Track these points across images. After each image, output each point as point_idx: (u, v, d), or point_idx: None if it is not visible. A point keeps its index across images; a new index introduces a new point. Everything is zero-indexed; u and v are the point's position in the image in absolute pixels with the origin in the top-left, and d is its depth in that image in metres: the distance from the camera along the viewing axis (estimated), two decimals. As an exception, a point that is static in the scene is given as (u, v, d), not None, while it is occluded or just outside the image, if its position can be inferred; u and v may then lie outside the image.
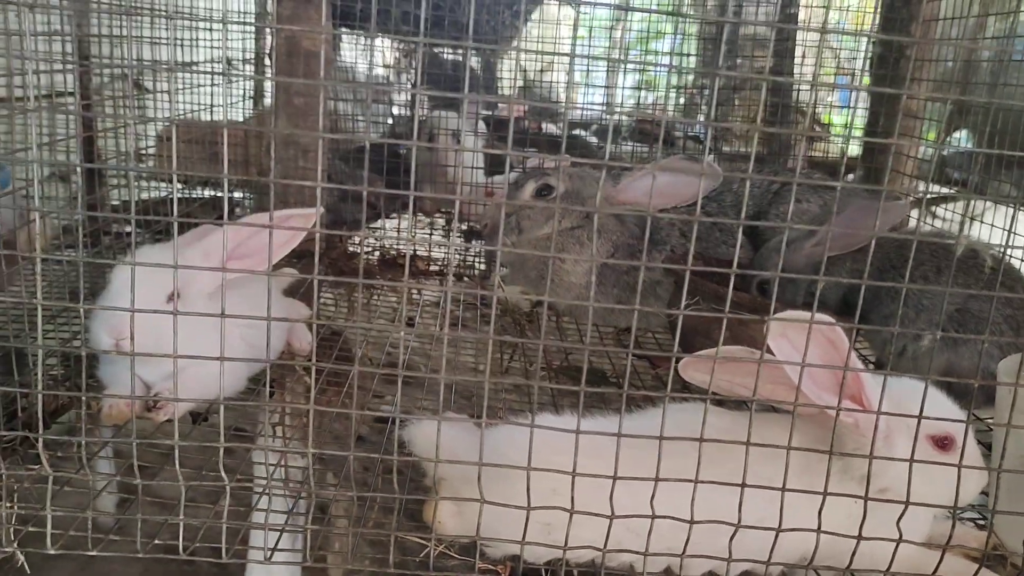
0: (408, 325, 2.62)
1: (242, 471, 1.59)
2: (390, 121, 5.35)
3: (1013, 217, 1.18)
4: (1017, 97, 2.72)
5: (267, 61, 3.86)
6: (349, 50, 5.06)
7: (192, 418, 1.78)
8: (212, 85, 3.10)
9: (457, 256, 3.30)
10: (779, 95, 4.47)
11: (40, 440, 1.19)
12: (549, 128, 5.53)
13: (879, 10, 3.42)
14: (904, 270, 2.20)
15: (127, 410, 1.64)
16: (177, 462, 1.20)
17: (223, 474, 1.22)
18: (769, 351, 1.31)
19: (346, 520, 1.53)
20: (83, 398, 1.21)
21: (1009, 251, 2.14)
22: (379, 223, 3.67)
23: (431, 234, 3.25)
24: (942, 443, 1.42)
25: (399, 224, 3.48)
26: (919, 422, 1.27)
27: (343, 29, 3.80)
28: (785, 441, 1.31)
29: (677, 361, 1.44)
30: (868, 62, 3.25)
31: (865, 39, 3.78)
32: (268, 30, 2.86)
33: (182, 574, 2.69)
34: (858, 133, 3.43)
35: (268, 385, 1.33)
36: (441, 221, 3.93)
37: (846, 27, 4.86)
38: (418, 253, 3.13)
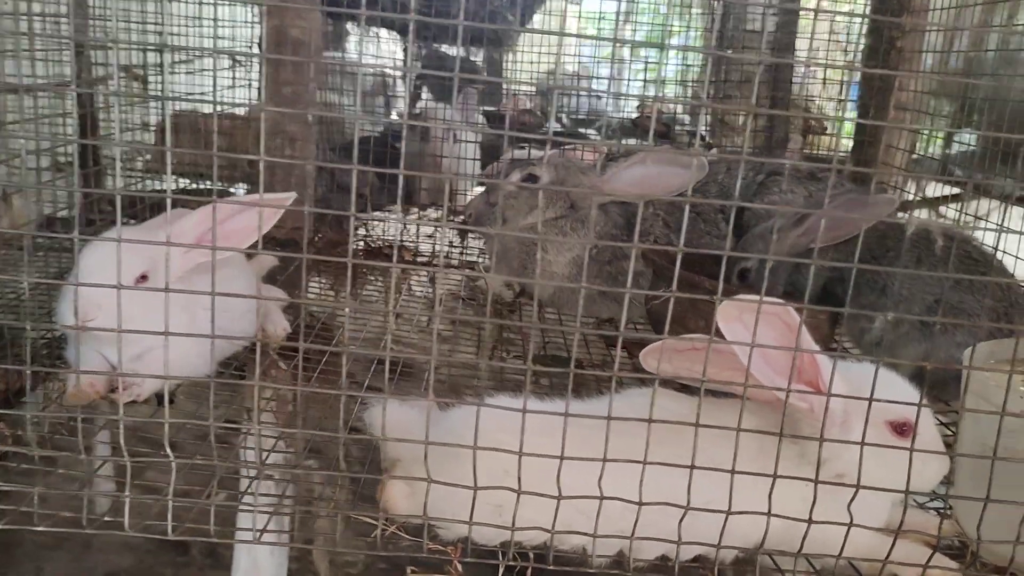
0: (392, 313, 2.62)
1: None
2: (395, 115, 5.35)
3: (967, 196, 1.16)
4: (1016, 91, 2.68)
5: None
6: (351, 44, 5.06)
7: (157, 400, 1.79)
8: (201, 72, 3.11)
9: (450, 249, 3.31)
10: (778, 89, 4.44)
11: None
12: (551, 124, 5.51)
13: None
14: (885, 260, 2.19)
15: (91, 390, 1.65)
16: (122, 439, 1.20)
17: (168, 452, 1.22)
18: (720, 334, 1.30)
19: (313, 502, 1.53)
20: (27, 372, 1.22)
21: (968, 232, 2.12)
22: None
23: (418, 223, 3.25)
24: (900, 429, 1.41)
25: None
26: (869, 405, 1.25)
27: (330, 20, 3.81)
28: (746, 427, 1.29)
29: (630, 344, 1.44)
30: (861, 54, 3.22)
31: (860, 32, 3.75)
32: (260, 21, 2.87)
33: (175, 565, 2.70)
34: (847, 127, 3.40)
35: (219, 365, 1.32)
36: (436, 213, 3.94)
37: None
38: (405, 244, 3.14)
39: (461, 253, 3.29)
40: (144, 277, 1.72)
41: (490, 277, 2.68)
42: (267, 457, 1.58)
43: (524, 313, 2.76)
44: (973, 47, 2.94)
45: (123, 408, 1.29)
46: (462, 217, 3.56)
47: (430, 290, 2.93)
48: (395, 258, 1.12)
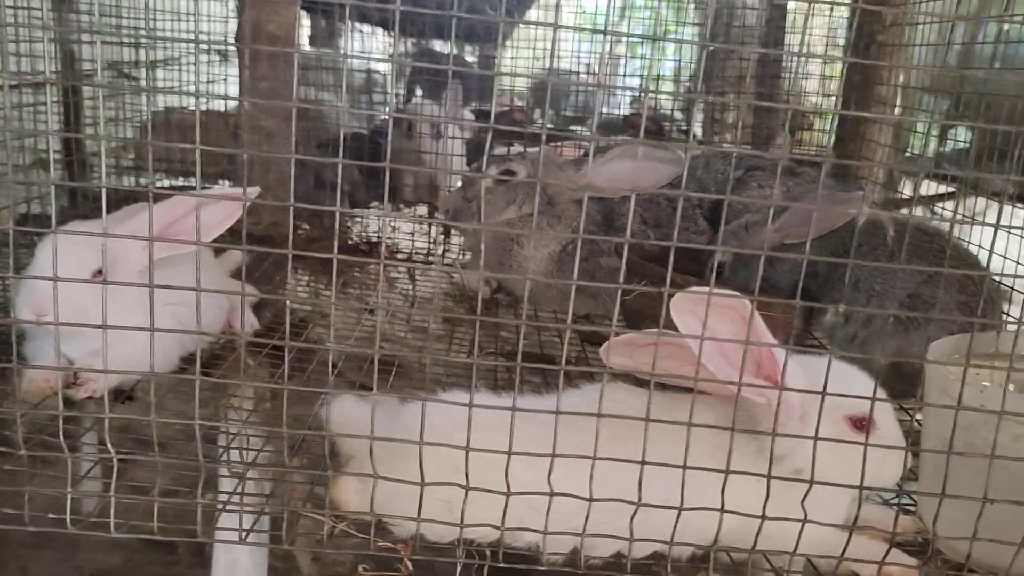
0: (370, 310, 2.60)
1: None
2: (383, 115, 5.33)
3: (916, 186, 1.14)
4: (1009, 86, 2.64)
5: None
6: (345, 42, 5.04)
7: (115, 395, 1.77)
8: (174, 66, 3.10)
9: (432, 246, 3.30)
10: (766, 85, 4.42)
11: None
12: (540, 122, 5.50)
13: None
14: (858, 255, 2.16)
15: (45, 386, 1.63)
16: (61, 434, 1.18)
17: (109, 447, 1.20)
18: (673, 326, 1.28)
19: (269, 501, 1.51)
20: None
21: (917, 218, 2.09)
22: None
23: (394, 221, 3.22)
24: (861, 424, 1.39)
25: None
26: (822, 400, 1.23)
27: (314, 15, 3.79)
28: (706, 423, 1.27)
29: (604, 339, 1.42)
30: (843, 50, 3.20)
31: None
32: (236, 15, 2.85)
33: (164, 563, 2.68)
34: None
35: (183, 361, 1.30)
36: (422, 210, 3.92)
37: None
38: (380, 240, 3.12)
39: (443, 252, 3.27)
40: (101, 272, 1.70)
41: (465, 273, 2.66)
42: (223, 455, 1.56)
43: (502, 310, 2.74)
44: (942, 40, 2.91)
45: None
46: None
47: (411, 287, 2.91)
48: (335, 250, 1.09)
